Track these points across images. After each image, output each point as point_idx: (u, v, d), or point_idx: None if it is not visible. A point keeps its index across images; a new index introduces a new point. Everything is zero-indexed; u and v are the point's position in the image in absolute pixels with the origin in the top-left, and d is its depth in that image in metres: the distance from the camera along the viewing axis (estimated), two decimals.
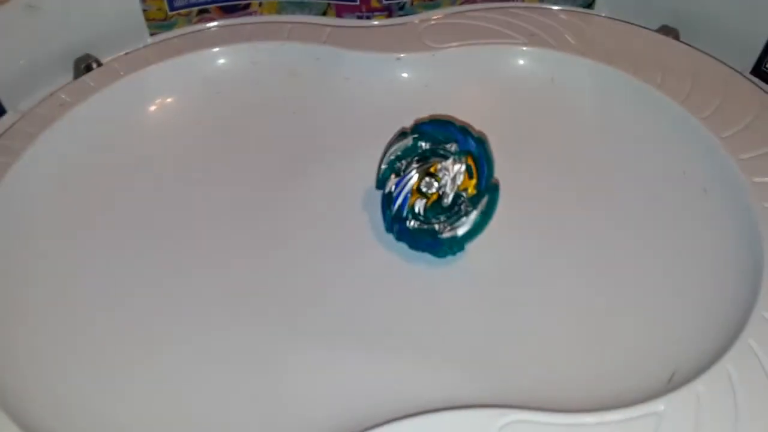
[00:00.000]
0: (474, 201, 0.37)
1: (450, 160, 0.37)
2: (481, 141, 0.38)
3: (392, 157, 0.39)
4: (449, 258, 0.39)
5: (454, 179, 0.37)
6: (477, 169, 0.37)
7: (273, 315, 0.37)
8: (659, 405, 0.30)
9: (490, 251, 0.39)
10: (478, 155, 0.38)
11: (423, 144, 0.39)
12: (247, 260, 0.39)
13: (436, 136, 0.38)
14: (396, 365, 0.35)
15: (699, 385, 0.30)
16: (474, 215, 0.37)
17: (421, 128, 0.39)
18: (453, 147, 0.38)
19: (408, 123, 0.44)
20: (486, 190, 0.38)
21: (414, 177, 0.38)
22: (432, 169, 0.38)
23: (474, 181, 0.37)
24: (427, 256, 0.39)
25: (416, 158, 0.39)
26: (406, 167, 0.39)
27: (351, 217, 0.42)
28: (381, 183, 0.40)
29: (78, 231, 0.41)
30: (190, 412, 0.33)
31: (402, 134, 0.39)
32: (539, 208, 0.41)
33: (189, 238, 0.41)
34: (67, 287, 0.38)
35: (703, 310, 0.35)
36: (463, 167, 0.37)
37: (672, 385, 0.31)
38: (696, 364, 0.32)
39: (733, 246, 0.38)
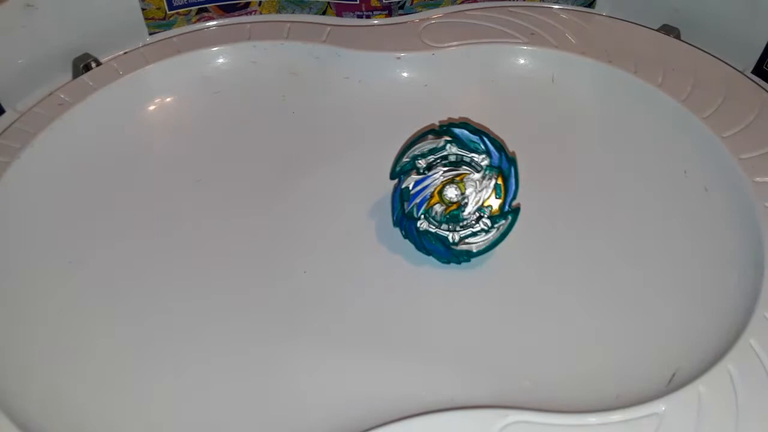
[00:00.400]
0: (494, 220, 0.37)
1: (480, 174, 0.37)
2: (514, 161, 0.37)
3: (416, 153, 0.38)
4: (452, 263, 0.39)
5: (479, 193, 0.37)
6: (505, 190, 0.37)
7: (274, 315, 0.37)
8: (660, 405, 0.30)
9: (492, 253, 0.39)
10: (509, 175, 0.37)
11: (451, 147, 0.38)
12: (247, 260, 0.39)
13: (467, 144, 0.38)
14: (397, 366, 0.35)
15: (700, 386, 0.30)
16: (492, 235, 0.37)
17: (454, 132, 0.38)
18: (484, 160, 0.37)
19: (408, 122, 0.44)
20: (508, 211, 0.37)
21: (438, 180, 0.38)
22: (458, 178, 0.37)
23: (500, 201, 0.37)
24: (430, 258, 0.39)
25: (441, 161, 0.38)
26: (428, 167, 0.38)
27: (352, 216, 0.41)
28: (397, 174, 0.39)
29: (77, 230, 0.41)
30: (190, 412, 0.33)
31: (432, 131, 0.38)
32: (539, 208, 0.41)
33: (189, 237, 0.41)
34: (67, 287, 0.38)
35: (704, 310, 0.35)
36: (492, 184, 0.37)
37: (673, 385, 0.31)
38: (697, 365, 0.32)
39: (735, 246, 0.37)
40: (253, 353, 0.35)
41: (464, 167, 0.38)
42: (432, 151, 0.38)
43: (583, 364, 0.34)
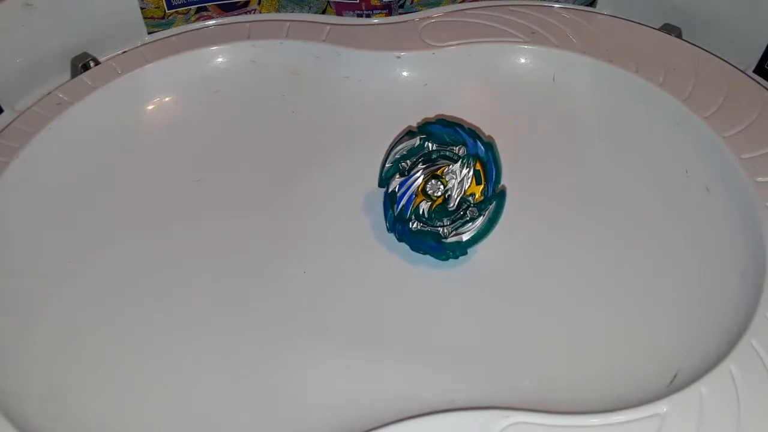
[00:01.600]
0: (481, 207, 0.37)
1: (458, 164, 0.37)
2: (490, 146, 0.38)
3: (397, 156, 0.39)
4: (450, 259, 0.38)
5: (461, 183, 0.37)
6: (485, 175, 0.37)
7: (273, 315, 0.37)
8: (662, 406, 0.30)
9: (492, 252, 0.39)
10: (487, 160, 0.37)
11: (430, 145, 0.38)
12: (246, 260, 0.39)
13: (443, 138, 0.38)
14: (398, 366, 0.34)
15: (702, 386, 0.30)
16: (480, 222, 0.37)
17: (428, 129, 0.38)
18: (461, 150, 0.37)
19: (408, 122, 0.44)
20: (493, 196, 0.38)
21: (420, 178, 0.38)
22: (438, 172, 0.37)
23: (481, 187, 0.37)
24: (428, 257, 0.39)
25: (422, 159, 0.38)
26: (411, 167, 0.38)
27: (351, 216, 0.41)
28: (384, 181, 0.39)
29: (76, 230, 0.41)
30: (190, 412, 0.33)
31: (408, 133, 0.39)
32: (540, 208, 0.41)
33: (188, 237, 0.40)
34: (66, 287, 0.38)
35: (706, 310, 0.35)
36: (471, 172, 0.37)
37: (674, 386, 0.31)
38: (699, 365, 0.32)
39: (736, 246, 0.37)
40: (253, 353, 0.35)
41: (443, 161, 0.38)
42: (412, 152, 0.39)
43: (584, 364, 0.34)
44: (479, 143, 0.37)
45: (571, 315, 0.36)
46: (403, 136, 0.39)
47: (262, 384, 0.34)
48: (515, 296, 0.37)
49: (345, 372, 0.34)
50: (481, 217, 0.37)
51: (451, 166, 0.37)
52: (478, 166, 0.37)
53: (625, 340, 0.35)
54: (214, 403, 0.33)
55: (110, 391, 0.34)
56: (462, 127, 0.38)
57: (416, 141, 0.38)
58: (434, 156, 0.38)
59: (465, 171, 0.37)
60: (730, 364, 0.31)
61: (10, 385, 0.33)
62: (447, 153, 0.38)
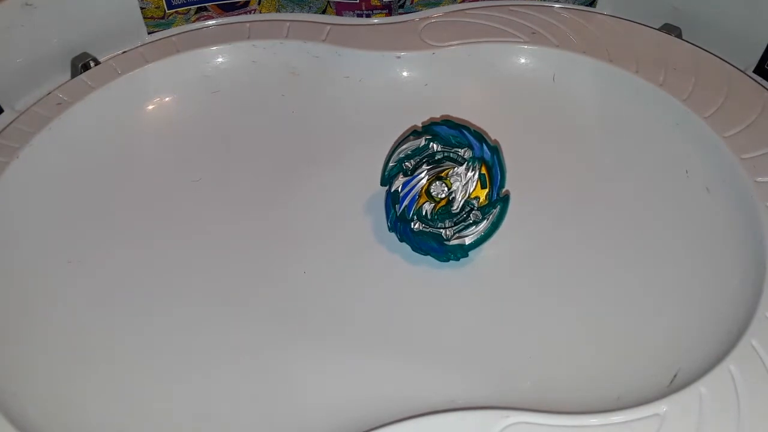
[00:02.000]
0: (484, 211, 0.37)
1: (463, 167, 0.37)
2: (496, 150, 0.38)
3: (401, 155, 0.39)
4: (451, 261, 0.39)
5: (465, 186, 0.37)
6: (490, 179, 0.37)
7: (274, 315, 0.37)
8: (662, 406, 0.30)
9: (492, 252, 0.39)
10: (493, 164, 0.37)
11: (435, 146, 0.38)
12: (247, 260, 0.39)
13: (449, 140, 0.38)
14: (398, 366, 0.34)
15: (701, 386, 0.30)
16: (484, 225, 0.37)
17: (434, 129, 0.38)
18: (466, 153, 0.37)
19: (408, 122, 0.44)
20: (497, 200, 0.38)
21: (424, 179, 0.38)
22: (443, 174, 0.37)
23: (486, 191, 0.37)
24: (429, 257, 0.39)
25: (426, 159, 0.38)
26: (415, 167, 0.38)
27: (352, 216, 0.41)
28: (387, 180, 0.39)
29: (76, 230, 0.41)
30: (190, 412, 0.33)
31: (414, 133, 0.39)
32: (539, 208, 0.41)
33: (188, 237, 0.40)
34: (65, 287, 0.38)
35: (706, 310, 0.35)
36: (476, 175, 0.37)
37: (674, 386, 0.31)
38: (698, 365, 0.32)
39: (736, 246, 0.37)
40: (253, 353, 0.35)
41: (448, 162, 0.38)
42: (416, 152, 0.38)
43: (584, 364, 0.34)
44: (485, 147, 0.37)
45: (571, 315, 0.36)
46: (408, 136, 0.39)
47: (262, 384, 0.34)
48: (515, 296, 0.37)
49: (345, 372, 0.34)
50: (485, 221, 0.37)
51: (456, 169, 0.37)
52: (484, 170, 0.37)
53: (625, 340, 0.35)
54: (214, 403, 0.33)
55: (110, 391, 0.34)
56: (468, 129, 0.38)
57: (421, 141, 0.38)
58: (438, 157, 0.38)
59: (470, 174, 0.37)
60: (729, 364, 0.31)
61: (10, 385, 0.33)
62: (452, 155, 0.38)
